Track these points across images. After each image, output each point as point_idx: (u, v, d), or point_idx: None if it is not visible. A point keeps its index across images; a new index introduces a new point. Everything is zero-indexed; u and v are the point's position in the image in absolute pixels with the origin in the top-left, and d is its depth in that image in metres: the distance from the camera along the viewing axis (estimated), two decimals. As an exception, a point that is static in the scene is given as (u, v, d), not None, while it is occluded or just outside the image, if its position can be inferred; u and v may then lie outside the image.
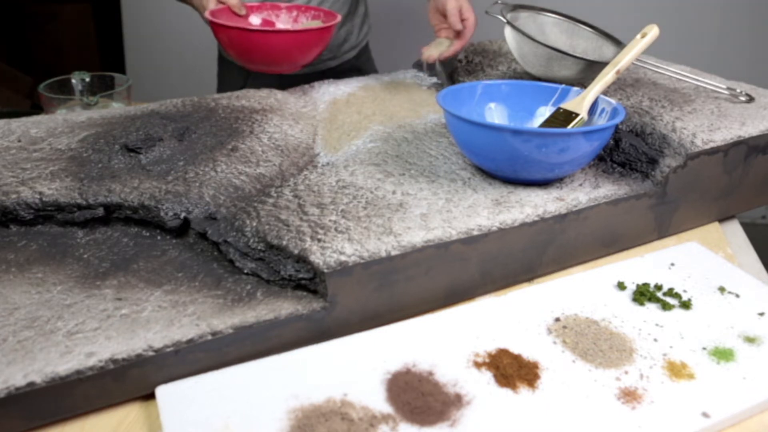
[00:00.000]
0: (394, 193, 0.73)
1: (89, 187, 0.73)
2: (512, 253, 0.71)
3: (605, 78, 0.80)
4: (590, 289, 0.71)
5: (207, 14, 1.08)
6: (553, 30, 1.00)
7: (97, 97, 1.11)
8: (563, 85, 0.84)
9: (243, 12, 1.17)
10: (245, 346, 0.59)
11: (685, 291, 0.71)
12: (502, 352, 0.61)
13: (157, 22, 2.04)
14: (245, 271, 0.65)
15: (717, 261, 0.77)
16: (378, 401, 0.56)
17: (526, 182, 0.76)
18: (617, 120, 0.74)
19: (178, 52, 1.85)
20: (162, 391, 0.56)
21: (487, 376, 0.59)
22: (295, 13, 1.21)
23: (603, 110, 0.80)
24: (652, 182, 0.79)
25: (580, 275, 0.74)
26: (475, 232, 0.67)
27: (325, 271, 0.60)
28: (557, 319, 0.66)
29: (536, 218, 0.71)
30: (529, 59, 0.94)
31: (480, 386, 0.58)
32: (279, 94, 1.03)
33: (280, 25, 1.20)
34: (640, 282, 0.72)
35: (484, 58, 1.10)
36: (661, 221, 0.82)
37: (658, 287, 0.72)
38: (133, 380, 0.56)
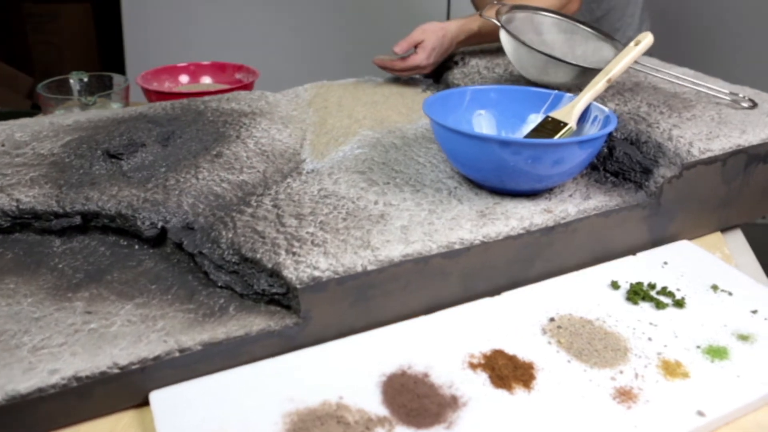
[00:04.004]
0: (376, 203, 0.71)
1: (67, 194, 0.72)
2: (496, 268, 0.69)
3: (596, 87, 0.77)
4: (584, 288, 0.71)
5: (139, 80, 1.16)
6: (551, 30, 0.97)
7: (94, 98, 1.10)
8: (556, 91, 0.82)
9: None
10: (214, 363, 0.58)
11: (678, 289, 0.71)
12: (498, 353, 0.61)
13: (157, 22, 2.03)
14: (219, 284, 0.64)
15: (709, 259, 0.76)
16: (374, 404, 0.55)
17: (514, 193, 0.73)
18: (608, 129, 0.71)
19: (178, 52, 1.84)
20: (156, 396, 0.55)
21: (482, 377, 0.58)
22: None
23: (596, 118, 0.78)
24: (645, 193, 0.77)
25: (574, 275, 0.73)
26: (457, 246, 0.65)
27: (298, 286, 0.59)
28: (552, 320, 0.66)
29: (522, 231, 0.68)
30: (525, 64, 0.92)
31: (476, 387, 0.57)
32: (270, 97, 1.02)
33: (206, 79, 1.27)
34: (634, 281, 0.72)
35: (481, 60, 1.08)
36: (655, 233, 0.79)
37: (652, 286, 0.71)
38: (98, 398, 0.55)
